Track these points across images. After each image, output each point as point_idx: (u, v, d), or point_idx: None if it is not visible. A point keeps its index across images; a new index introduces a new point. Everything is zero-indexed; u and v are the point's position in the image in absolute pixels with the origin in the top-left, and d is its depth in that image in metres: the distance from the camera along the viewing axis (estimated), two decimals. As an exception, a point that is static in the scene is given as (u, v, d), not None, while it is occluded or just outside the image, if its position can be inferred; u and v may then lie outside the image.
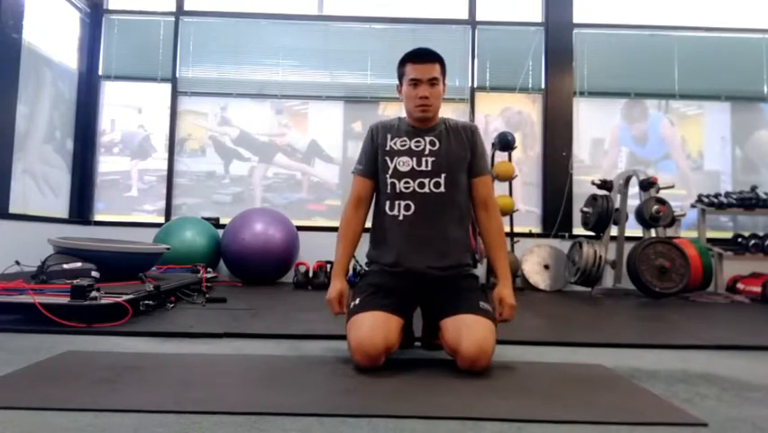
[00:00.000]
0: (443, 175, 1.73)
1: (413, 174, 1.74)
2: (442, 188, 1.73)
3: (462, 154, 1.77)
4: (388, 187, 1.76)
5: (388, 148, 1.78)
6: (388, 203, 1.76)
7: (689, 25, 5.13)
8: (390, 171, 1.76)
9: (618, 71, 5.12)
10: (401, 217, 1.73)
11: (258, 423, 1.11)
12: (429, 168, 1.73)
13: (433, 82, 1.74)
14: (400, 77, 1.80)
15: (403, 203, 1.74)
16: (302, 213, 5.02)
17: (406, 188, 1.73)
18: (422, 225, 1.72)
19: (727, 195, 4.70)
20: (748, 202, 4.63)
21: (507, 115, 5.16)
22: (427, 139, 1.77)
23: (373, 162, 1.80)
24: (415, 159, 1.74)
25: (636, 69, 5.11)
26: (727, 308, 3.56)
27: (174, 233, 4.22)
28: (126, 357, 1.67)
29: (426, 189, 1.73)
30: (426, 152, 1.75)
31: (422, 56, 1.75)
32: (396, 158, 1.76)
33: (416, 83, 1.74)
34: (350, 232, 1.81)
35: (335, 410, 1.19)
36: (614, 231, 4.51)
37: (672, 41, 5.13)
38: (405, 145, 1.77)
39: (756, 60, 5.10)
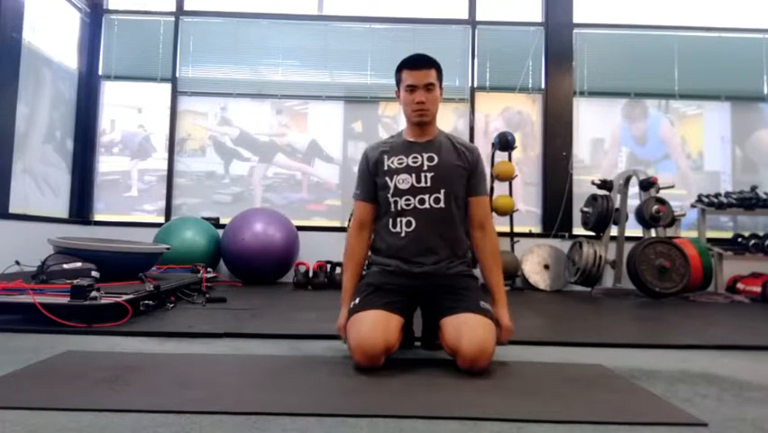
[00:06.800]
0: (442, 191, 1.75)
1: (413, 191, 1.75)
2: (441, 204, 1.75)
3: (461, 170, 1.78)
4: (391, 205, 1.77)
5: (386, 168, 1.79)
6: (390, 221, 1.78)
7: (689, 25, 5.14)
8: (391, 191, 1.77)
9: (618, 71, 5.12)
10: (403, 234, 1.75)
11: (257, 423, 1.11)
12: (428, 184, 1.75)
13: (429, 87, 1.75)
14: (397, 82, 1.82)
15: (405, 220, 1.76)
16: (302, 213, 5.02)
17: (407, 205, 1.75)
18: (424, 239, 1.75)
19: (727, 195, 4.70)
20: (748, 202, 4.63)
21: (507, 115, 5.16)
22: (425, 155, 1.77)
23: (370, 186, 1.83)
24: (414, 175, 1.75)
25: (636, 69, 5.10)
26: (727, 308, 3.56)
27: (174, 233, 4.22)
28: (126, 357, 1.67)
29: (427, 205, 1.74)
30: (425, 167, 1.76)
31: (418, 62, 1.76)
32: (395, 176, 1.77)
33: (412, 89, 1.75)
34: (355, 257, 1.84)
35: (335, 410, 1.19)
36: (614, 231, 4.51)
37: (672, 41, 5.13)
38: (402, 163, 1.78)
39: (756, 60, 5.10)
